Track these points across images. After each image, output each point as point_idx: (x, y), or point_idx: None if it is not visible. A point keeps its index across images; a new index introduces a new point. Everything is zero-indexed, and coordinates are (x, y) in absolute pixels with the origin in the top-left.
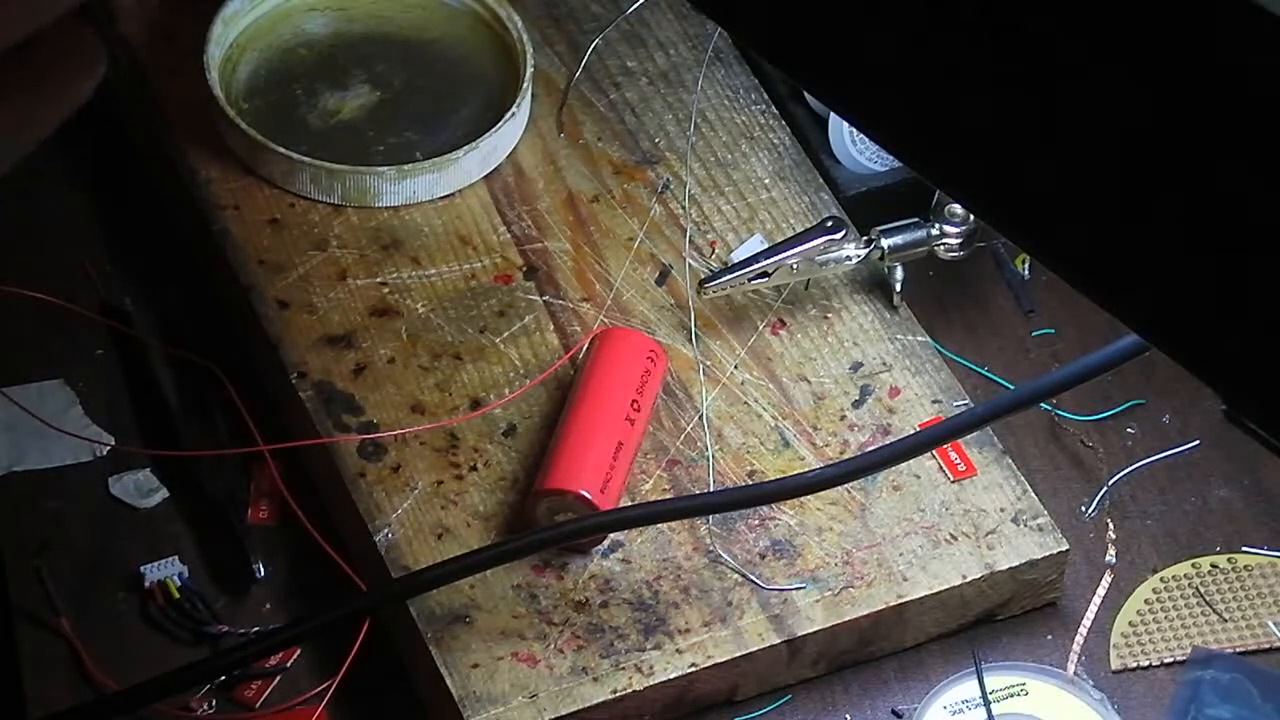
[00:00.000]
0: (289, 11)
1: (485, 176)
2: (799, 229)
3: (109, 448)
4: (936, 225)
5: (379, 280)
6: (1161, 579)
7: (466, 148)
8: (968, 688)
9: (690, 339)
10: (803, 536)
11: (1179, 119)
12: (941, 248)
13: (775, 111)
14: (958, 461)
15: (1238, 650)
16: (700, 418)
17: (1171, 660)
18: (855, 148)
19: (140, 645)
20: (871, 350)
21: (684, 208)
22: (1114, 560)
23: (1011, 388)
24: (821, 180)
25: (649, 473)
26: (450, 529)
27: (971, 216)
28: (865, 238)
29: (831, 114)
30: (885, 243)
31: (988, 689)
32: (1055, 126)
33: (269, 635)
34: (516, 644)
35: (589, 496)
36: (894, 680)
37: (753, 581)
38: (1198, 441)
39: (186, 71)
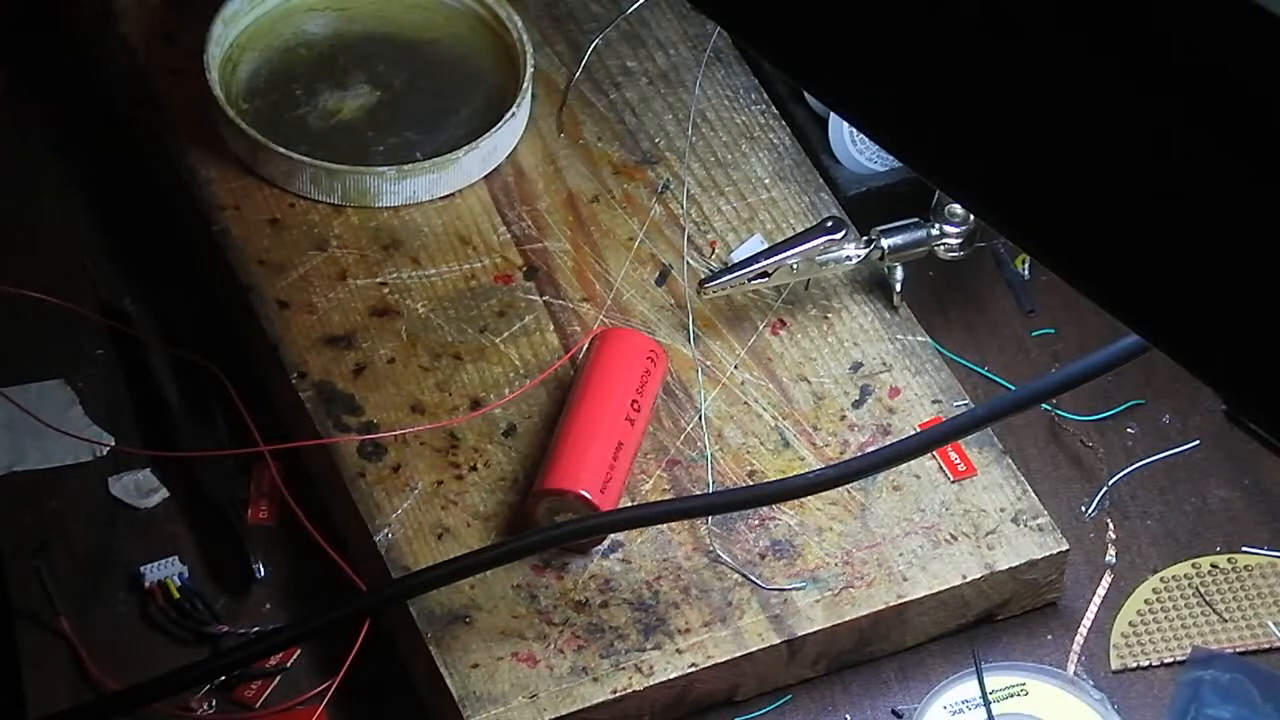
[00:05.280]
0: (289, 11)
1: (485, 176)
2: (799, 229)
3: (109, 448)
4: (936, 225)
5: (379, 280)
6: (1161, 579)
7: (466, 148)
8: (968, 688)
9: (690, 339)
10: (803, 536)
11: (1177, 118)
12: (941, 248)
13: (775, 111)
14: (958, 461)
15: (1238, 650)
16: (700, 418)
17: (1171, 660)
18: (855, 148)
19: (140, 645)
20: (871, 350)
21: (684, 208)
22: (1114, 560)
23: (1011, 388)
24: (821, 180)
25: (649, 473)
26: (450, 529)
27: (971, 216)
28: (865, 238)
29: (831, 114)
30: (885, 243)
31: (988, 689)
32: (1055, 126)
33: (269, 635)
34: (516, 644)
35: (589, 496)
36: (894, 680)
37: (753, 581)
38: (1198, 441)
39: (186, 71)
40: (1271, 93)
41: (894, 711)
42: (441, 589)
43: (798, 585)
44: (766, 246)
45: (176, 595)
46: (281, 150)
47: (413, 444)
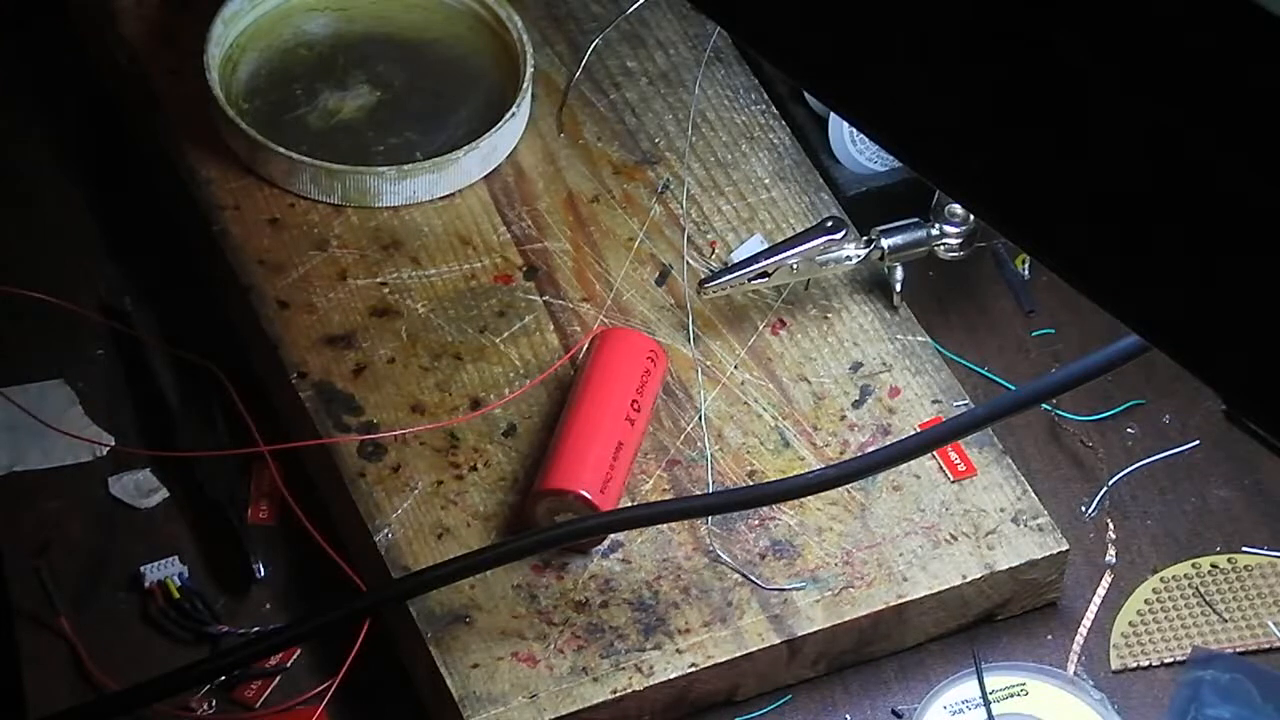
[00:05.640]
0: (289, 11)
1: (485, 176)
2: (799, 229)
3: (109, 448)
4: (936, 225)
5: (379, 280)
6: (1161, 579)
7: (466, 148)
8: (968, 688)
9: (690, 339)
10: (803, 536)
11: (1178, 115)
12: (941, 248)
13: (775, 111)
14: (958, 461)
15: (1238, 650)
16: (700, 418)
17: (1171, 660)
18: (855, 148)
19: (140, 645)
20: (871, 350)
21: (684, 208)
22: (1114, 560)
23: (1011, 388)
24: (821, 180)
25: (649, 473)
26: (450, 529)
27: (971, 216)
28: (865, 238)
29: (831, 114)
30: (885, 243)
31: (988, 689)
32: (1054, 126)
33: (269, 635)
34: (516, 644)
35: (589, 497)
36: (894, 680)
37: (753, 581)
38: (1198, 441)
39: (186, 71)
40: (1271, 93)
41: (894, 711)
42: (441, 589)
43: (798, 585)
44: (766, 246)
45: (176, 595)
46: (281, 150)
47: (413, 444)
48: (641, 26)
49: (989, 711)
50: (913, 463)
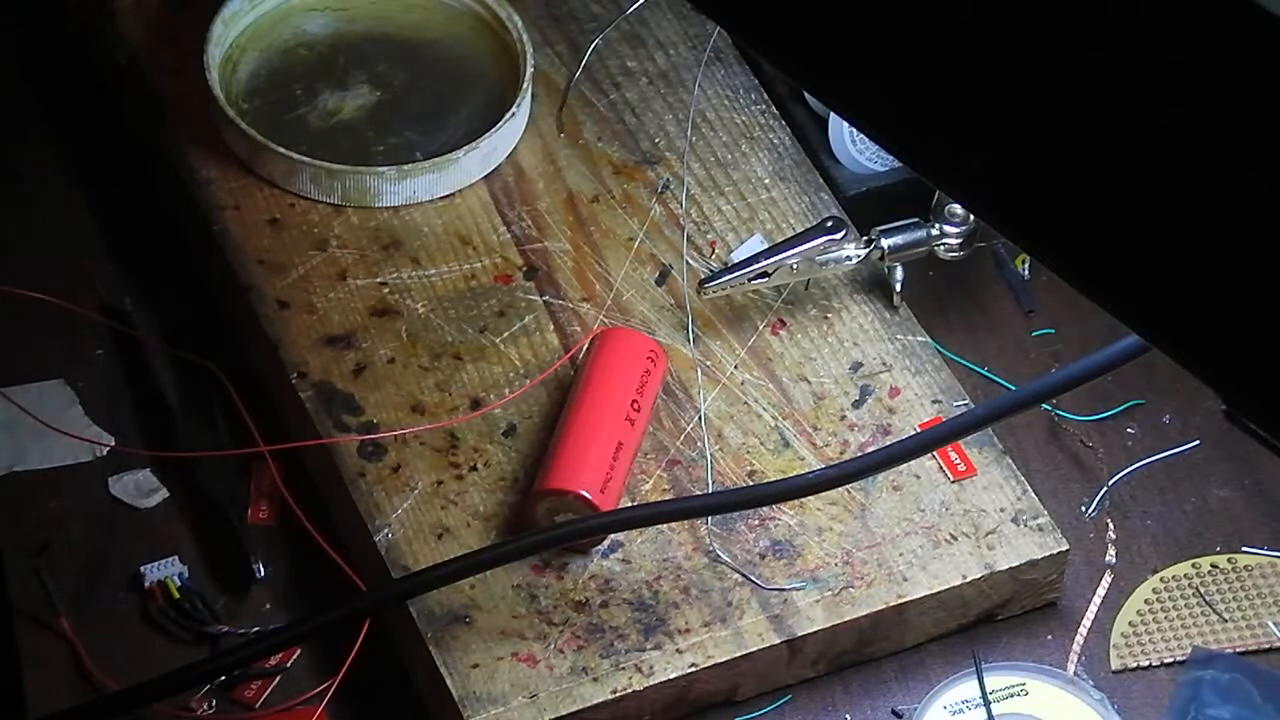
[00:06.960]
0: (289, 11)
1: (485, 176)
2: (799, 229)
3: (109, 448)
4: (936, 225)
5: (379, 280)
6: (1161, 579)
7: (466, 148)
8: (968, 688)
9: (690, 339)
10: (803, 536)
11: (1178, 115)
12: (941, 248)
13: (775, 111)
14: (958, 461)
15: (1238, 650)
16: (700, 418)
17: (1171, 660)
18: (855, 148)
19: (140, 645)
20: (871, 350)
21: (684, 208)
22: (1114, 560)
23: (1011, 388)
24: (821, 180)
25: (649, 473)
26: (450, 529)
27: (971, 216)
28: (865, 238)
29: (831, 114)
30: (885, 243)
31: (988, 689)
32: (1054, 125)
33: (269, 635)
34: (516, 644)
35: (589, 497)
36: (894, 680)
37: (753, 581)
38: (1198, 441)
39: (186, 71)
40: (1271, 93)
41: (894, 711)
42: (441, 589)
43: (798, 585)
44: (766, 246)
45: (176, 595)
46: (281, 150)
47: (413, 444)
48: (641, 26)
49: (989, 711)
50: (913, 463)
